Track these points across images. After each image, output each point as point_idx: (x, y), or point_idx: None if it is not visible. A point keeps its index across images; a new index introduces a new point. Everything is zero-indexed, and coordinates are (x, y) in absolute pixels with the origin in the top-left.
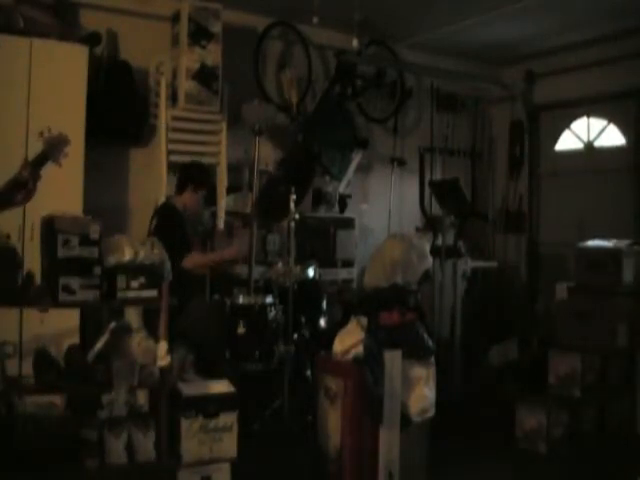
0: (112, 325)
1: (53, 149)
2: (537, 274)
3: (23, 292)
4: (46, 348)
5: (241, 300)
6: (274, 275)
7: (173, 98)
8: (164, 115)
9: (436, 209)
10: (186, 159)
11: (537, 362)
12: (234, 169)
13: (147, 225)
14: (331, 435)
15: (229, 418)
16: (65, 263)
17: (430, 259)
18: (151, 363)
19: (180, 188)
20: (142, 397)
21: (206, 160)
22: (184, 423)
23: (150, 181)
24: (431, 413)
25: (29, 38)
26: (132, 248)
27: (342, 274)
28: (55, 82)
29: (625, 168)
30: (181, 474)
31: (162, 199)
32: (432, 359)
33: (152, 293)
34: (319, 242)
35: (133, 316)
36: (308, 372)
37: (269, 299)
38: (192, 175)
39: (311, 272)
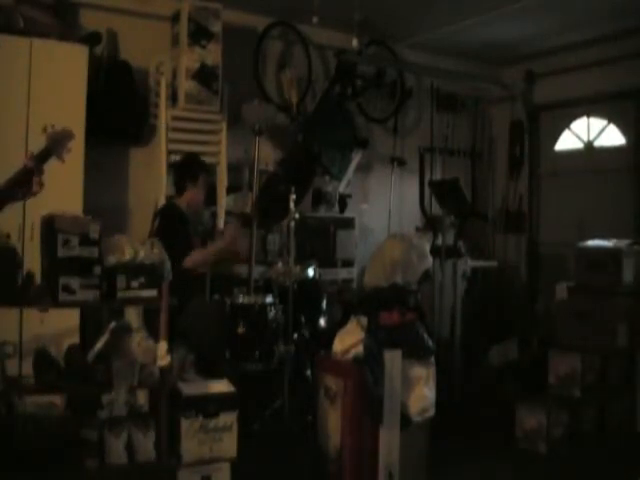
0: (112, 325)
1: (57, 144)
2: (537, 274)
3: (23, 292)
4: (46, 348)
5: (241, 300)
6: (274, 275)
7: (173, 98)
8: (164, 115)
9: (436, 209)
10: None
11: (537, 362)
12: (234, 169)
13: (148, 225)
14: (331, 435)
15: (229, 418)
16: (65, 263)
17: (430, 259)
18: (151, 363)
19: (180, 189)
20: (142, 397)
21: (206, 160)
22: (184, 423)
23: (150, 181)
24: (431, 413)
25: (29, 38)
26: (132, 248)
27: (342, 274)
28: (55, 82)
29: (625, 168)
30: (181, 474)
31: (162, 199)
32: (432, 359)
33: (152, 293)
34: (319, 242)
35: (133, 316)
36: (308, 372)
37: (269, 299)
38: (185, 171)
39: (311, 272)
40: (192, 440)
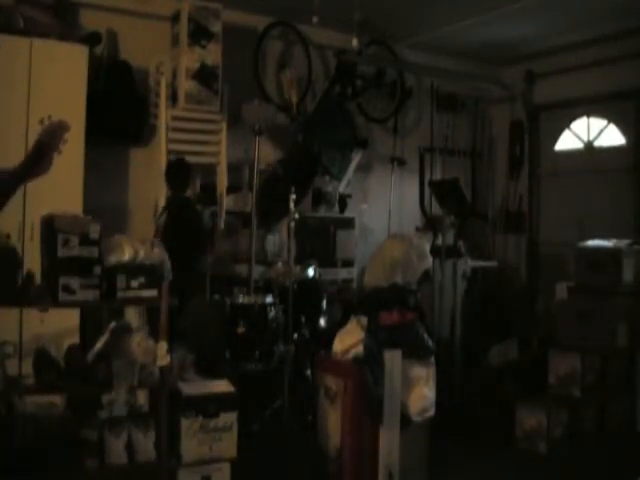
0: (112, 325)
1: (52, 137)
2: (537, 274)
3: (23, 292)
4: (46, 348)
5: (241, 300)
6: (274, 275)
7: (173, 98)
8: (164, 115)
9: (436, 209)
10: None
11: (537, 362)
12: (234, 169)
13: (149, 225)
14: (331, 435)
15: (229, 418)
16: (65, 263)
17: (430, 259)
18: (151, 363)
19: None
20: (142, 397)
21: (206, 160)
22: (184, 423)
23: (150, 181)
24: (431, 413)
25: (29, 38)
26: (132, 248)
27: (342, 274)
28: (55, 82)
29: (625, 168)
30: (181, 474)
31: (162, 199)
32: (432, 359)
33: (152, 293)
34: (319, 242)
35: (133, 316)
36: (308, 372)
37: (269, 299)
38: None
39: (311, 272)
40: (192, 440)
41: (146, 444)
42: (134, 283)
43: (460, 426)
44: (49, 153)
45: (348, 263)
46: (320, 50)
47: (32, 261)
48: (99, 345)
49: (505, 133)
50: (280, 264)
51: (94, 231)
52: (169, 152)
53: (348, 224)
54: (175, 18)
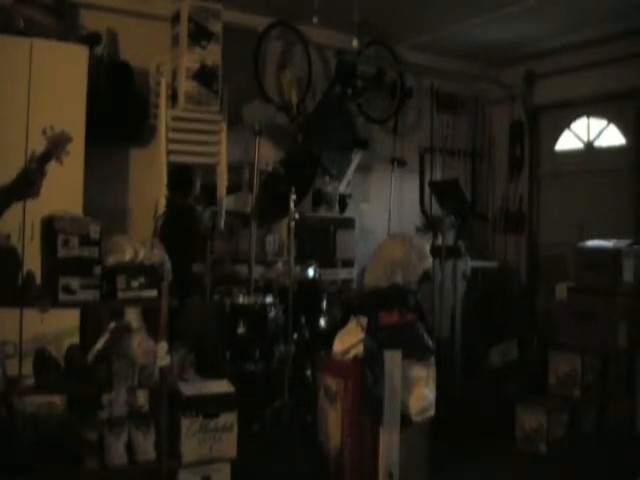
0: (112, 325)
1: (56, 147)
2: (537, 274)
3: (23, 292)
4: (46, 348)
5: (241, 300)
6: (274, 275)
7: (173, 98)
8: (164, 115)
9: (436, 209)
10: (186, 159)
11: (537, 362)
12: (234, 169)
13: (148, 225)
14: (331, 435)
15: (229, 418)
16: (65, 263)
17: (430, 259)
18: (151, 363)
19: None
20: (142, 397)
21: (206, 160)
22: (184, 423)
23: (150, 181)
24: (431, 413)
25: (29, 38)
26: (132, 248)
27: (342, 274)
28: (55, 82)
29: (625, 168)
30: (181, 474)
31: (162, 199)
32: (432, 359)
33: (152, 293)
34: (319, 242)
35: (133, 316)
36: (308, 372)
37: (269, 299)
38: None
39: (311, 272)
40: (192, 440)
41: (146, 444)
42: (134, 283)
43: (460, 426)
44: (36, 180)
45: (348, 263)
46: (320, 50)
47: (32, 261)
48: (99, 345)
49: (505, 133)
50: (280, 264)
51: (94, 231)
52: (169, 152)
53: (348, 224)
54: (175, 18)
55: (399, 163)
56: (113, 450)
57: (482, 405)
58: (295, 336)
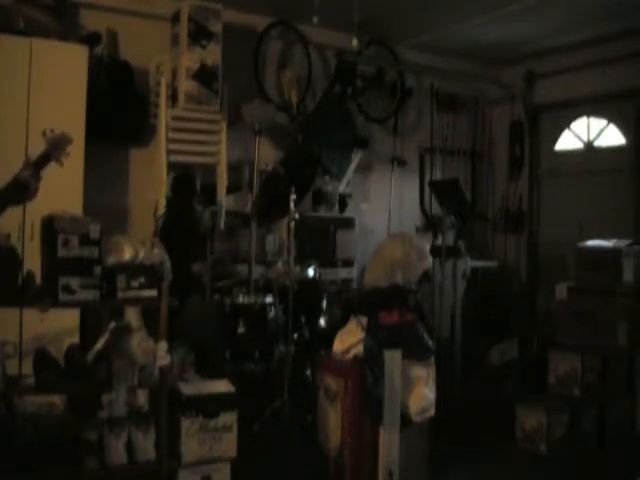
0: (112, 325)
1: (56, 149)
2: (537, 274)
3: (23, 292)
4: (46, 348)
5: (241, 300)
6: (274, 275)
7: (173, 98)
8: (164, 115)
9: (436, 209)
10: (186, 159)
11: (537, 362)
12: (234, 169)
13: (149, 225)
14: (331, 435)
15: (229, 418)
16: (65, 263)
17: (430, 259)
18: (151, 363)
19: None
20: (142, 397)
21: (206, 160)
22: (184, 423)
23: (150, 181)
24: (431, 413)
25: (29, 38)
26: (132, 248)
27: (342, 274)
28: (55, 82)
29: (625, 168)
30: (181, 474)
31: (162, 199)
32: (432, 359)
33: (152, 293)
34: (319, 242)
35: (133, 316)
36: (308, 372)
37: (269, 299)
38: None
39: (311, 272)
40: (192, 440)
41: (146, 444)
42: (134, 283)
43: (460, 426)
44: (29, 185)
45: (348, 263)
46: (320, 50)
47: (32, 261)
48: (99, 345)
49: (505, 133)
50: (280, 264)
51: (94, 231)
52: (169, 152)
53: (348, 224)
54: (175, 18)
55: (399, 163)
56: (113, 450)
57: (482, 405)
58: (295, 336)
